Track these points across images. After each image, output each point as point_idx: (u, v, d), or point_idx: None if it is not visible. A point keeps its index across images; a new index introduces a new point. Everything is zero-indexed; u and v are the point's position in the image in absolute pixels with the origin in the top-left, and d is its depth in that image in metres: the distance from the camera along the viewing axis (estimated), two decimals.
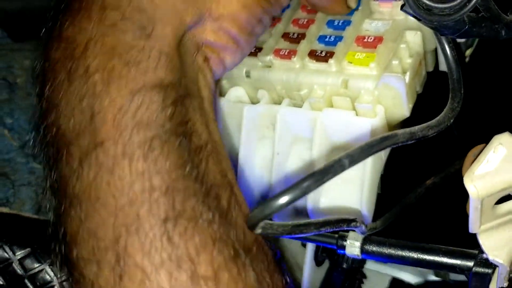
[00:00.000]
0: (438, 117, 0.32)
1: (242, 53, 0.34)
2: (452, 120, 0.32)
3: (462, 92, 0.32)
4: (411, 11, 0.27)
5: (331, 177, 0.27)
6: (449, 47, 0.32)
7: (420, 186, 0.40)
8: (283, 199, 0.27)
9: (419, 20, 0.27)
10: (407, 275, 0.43)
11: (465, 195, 0.32)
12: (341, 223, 0.31)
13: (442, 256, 0.32)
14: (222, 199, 0.29)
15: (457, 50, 0.32)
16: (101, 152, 0.28)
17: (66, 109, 0.29)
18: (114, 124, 0.28)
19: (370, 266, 0.45)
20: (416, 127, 0.31)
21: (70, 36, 0.30)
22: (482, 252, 0.29)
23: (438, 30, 0.29)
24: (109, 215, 0.27)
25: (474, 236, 0.30)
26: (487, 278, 0.30)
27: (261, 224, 0.28)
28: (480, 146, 0.31)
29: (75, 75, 0.29)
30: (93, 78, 0.28)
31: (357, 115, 0.36)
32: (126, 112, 0.28)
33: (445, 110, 0.32)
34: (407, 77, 0.36)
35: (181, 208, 0.27)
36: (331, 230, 0.31)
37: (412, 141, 0.31)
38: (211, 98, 0.33)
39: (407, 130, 0.31)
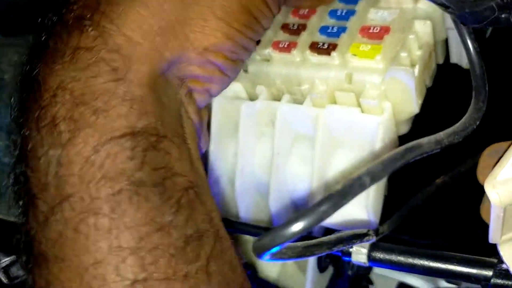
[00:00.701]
0: (462, 120, 0.30)
1: (228, 80, 0.34)
2: (478, 122, 0.29)
3: (487, 89, 0.30)
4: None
5: (351, 199, 0.25)
6: (471, 38, 0.29)
7: (429, 185, 0.38)
8: (297, 226, 0.24)
9: (446, 8, 0.25)
10: (417, 281, 0.41)
11: (477, 196, 0.30)
12: (354, 239, 0.29)
13: (457, 265, 0.30)
14: (203, 249, 0.28)
15: (479, 42, 0.30)
16: (67, 207, 0.26)
17: (33, 160, 0.28)
18: (80, 177, 0.26)
19: (376, 270, 0.43)
20: (442, 134, 0.29)
21: (41, 80, 0.28)
22: (501, 262, 0.27)
23: (465, 19, 0.26)
24: (75, 276, 0.26)
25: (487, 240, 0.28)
26: None
27: None
28: (495, 145, 0.29)
29: (42, 124, 0.28)
30: (59, 127, 0.27)
31: (362, 112, 0.34)
32: (93, 164, 0.26)
33: (469, 111, 0.30)
34: (416, 70, 0.34)
35: (152, 268, 0.26)
36: (344, 247, 0.29)
37: (438, 150, 0.28)
38: (194, 133, 0.32)
39: (432, 138, 0.28)
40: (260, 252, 0.25)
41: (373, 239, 0.30)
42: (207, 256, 0.28)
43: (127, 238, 0.26)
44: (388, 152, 0.27)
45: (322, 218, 0.24)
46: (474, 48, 0.30)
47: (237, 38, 0.31)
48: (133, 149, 0.27)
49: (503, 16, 0.25)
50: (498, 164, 0.25)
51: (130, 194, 0.26)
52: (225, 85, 0.34)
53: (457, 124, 0.29)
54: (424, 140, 0.27)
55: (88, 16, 0.28)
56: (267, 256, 0.25)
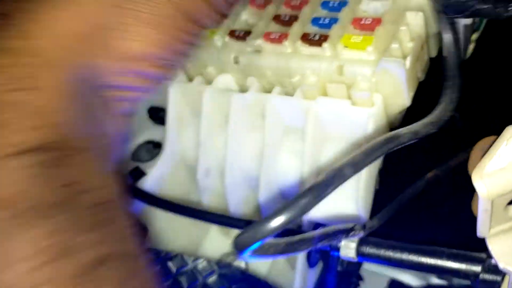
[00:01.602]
0: (436, 111, 0.30)
1: (156, 87, 0.30)
2: (452, 113, 0.29)
3: (461, 80, 0.30)
4: None
5: (332, 190, 0.24)
6: (449, 29, 0.29)
7: (420, 179, 0.37)
8: (277, 221, 0.23)
9: None
10: (408, 277, 0.40)
11: (469, 190, 0.29)
12: (339, 234, 0.29)
13: (446, 260, 0.30)
14: (117, 270, 0.25)
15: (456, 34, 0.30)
16: None
17: None
18: None
19: (367, 266, 0.42)
20: (419, 124, 0.29)
21: None
22: (490, 257, 0.27)
23: (448, 8, 0.26)
24: None
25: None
26: (496, 286, 0.28)
27: None
28: (488, 139, 0.29)
29: None
30: None
31: (353, 104, 0.33)
32: None
33: (443, 101, 0.30)
34: (407, 62, 0.33)
35: None
36: (329, 243, 0.28)
37: (416, 140, 0.28)
38: (113, 143, 0.30)
39: (411, 128, 0.28)
40: (240, 248, 0.24)
41: (360, 234, 0.30)
42: (119, 278, 0.25)
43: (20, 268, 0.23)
44: None
45: (304, 211, 0.23)
46: (452, 38, 0.29)
47: (170, 45, 0.28)
48: (34, 166, 0.24)
49: (484, 7, 0.25)
50: (486, 155, 0.24)
51: (28, 217, 0.24)
52: (152, 91, 0.30)
53: (432, 115, 0.29)
54: (403, 130, 0.27)
55: (8, 12, 0.26)
56: (248, 253, 0.25)
